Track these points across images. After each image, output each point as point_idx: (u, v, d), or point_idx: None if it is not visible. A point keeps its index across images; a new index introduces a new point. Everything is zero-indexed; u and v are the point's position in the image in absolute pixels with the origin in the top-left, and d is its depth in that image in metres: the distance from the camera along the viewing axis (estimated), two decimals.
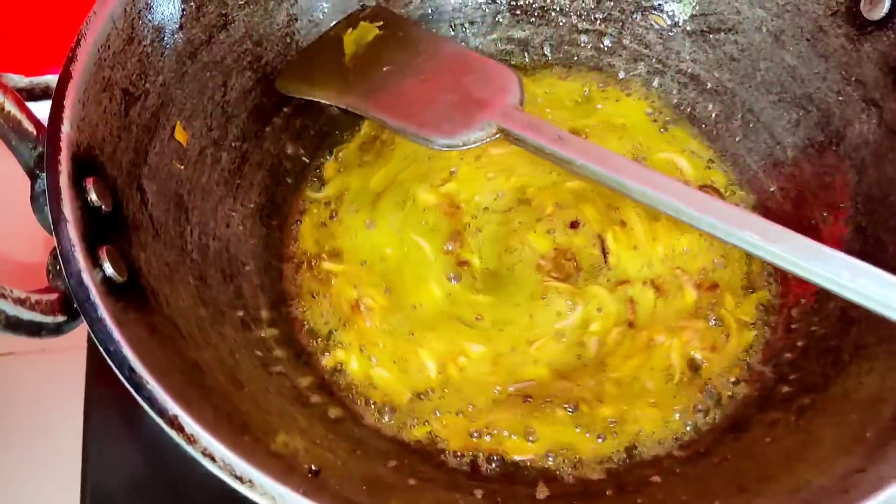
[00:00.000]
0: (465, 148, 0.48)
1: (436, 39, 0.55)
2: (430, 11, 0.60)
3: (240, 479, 0.31)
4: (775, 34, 0.54)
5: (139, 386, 0.32)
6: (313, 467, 0.38)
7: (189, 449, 0.31)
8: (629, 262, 0.53)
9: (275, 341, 0.48)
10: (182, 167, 0.48)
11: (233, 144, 0.52)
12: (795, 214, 0.53)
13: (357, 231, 0.54)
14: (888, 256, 0.47)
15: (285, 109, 0.56)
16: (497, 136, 0.48)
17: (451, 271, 0.53)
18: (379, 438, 0.46)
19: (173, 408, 0.32)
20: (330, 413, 0.45)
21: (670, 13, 0.58)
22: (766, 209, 0.55)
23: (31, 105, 0.40)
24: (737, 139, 0.57)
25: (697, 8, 0.57)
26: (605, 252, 0.53)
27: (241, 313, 0.47)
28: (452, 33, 0.61)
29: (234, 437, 0.35)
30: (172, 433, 0.31)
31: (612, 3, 0.59)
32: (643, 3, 0.59)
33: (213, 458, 0.31)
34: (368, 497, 0.36)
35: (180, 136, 0.48)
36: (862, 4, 0.49)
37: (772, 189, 0.55)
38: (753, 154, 0.56)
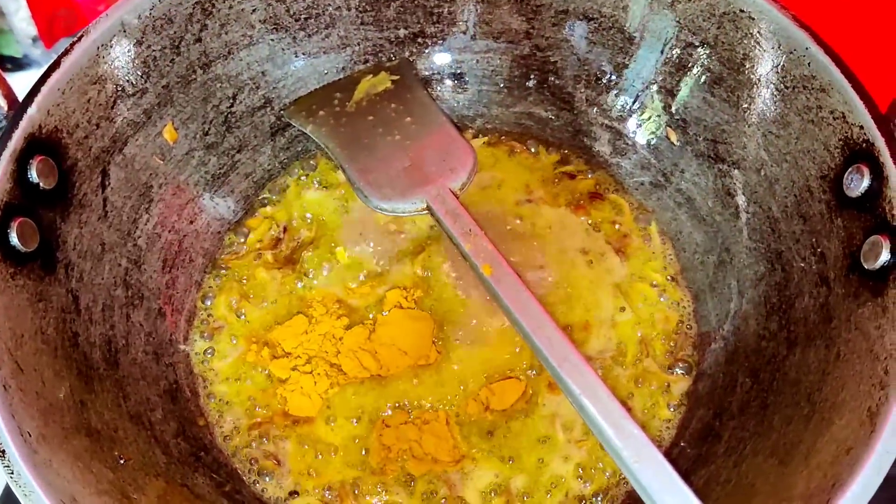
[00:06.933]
0: (393, 214, 0.51)
1: (430, 107, 0.57)
2: (461, 72, 0.62)
3: None
4: (771, 180, 0.52)
5: None
6: (120, 458, 0.43)
7: None
8: None
9: (182, 336, 0.53)
10: (162, 162, 0.53)
11: (226, 152, 0.57)
12: (725, 369, 0.51)
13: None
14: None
15: (292, 132, 0.60)
16: (424, 212, 0.50)
17: None
18: (211, 447, 0.50)
19: None
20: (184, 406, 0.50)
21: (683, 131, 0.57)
22: (702, 352, 0.53)
23: None
24: (707, 274, 0.55)
25: (711, 134, 0.55)
26: None
27: (160, 302, 0.52)
28: (477, 98, 0.62)
29: (41, 397, 0.40)
30: None
31: (635, 110, 0.59)
32: (664, 116, 0.58)
33: None
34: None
35: (169, 135, 0.54)
36: (845, 177, 0.46)
37: (715, 332, 0.53)
38: (715, 294, 0.54)
